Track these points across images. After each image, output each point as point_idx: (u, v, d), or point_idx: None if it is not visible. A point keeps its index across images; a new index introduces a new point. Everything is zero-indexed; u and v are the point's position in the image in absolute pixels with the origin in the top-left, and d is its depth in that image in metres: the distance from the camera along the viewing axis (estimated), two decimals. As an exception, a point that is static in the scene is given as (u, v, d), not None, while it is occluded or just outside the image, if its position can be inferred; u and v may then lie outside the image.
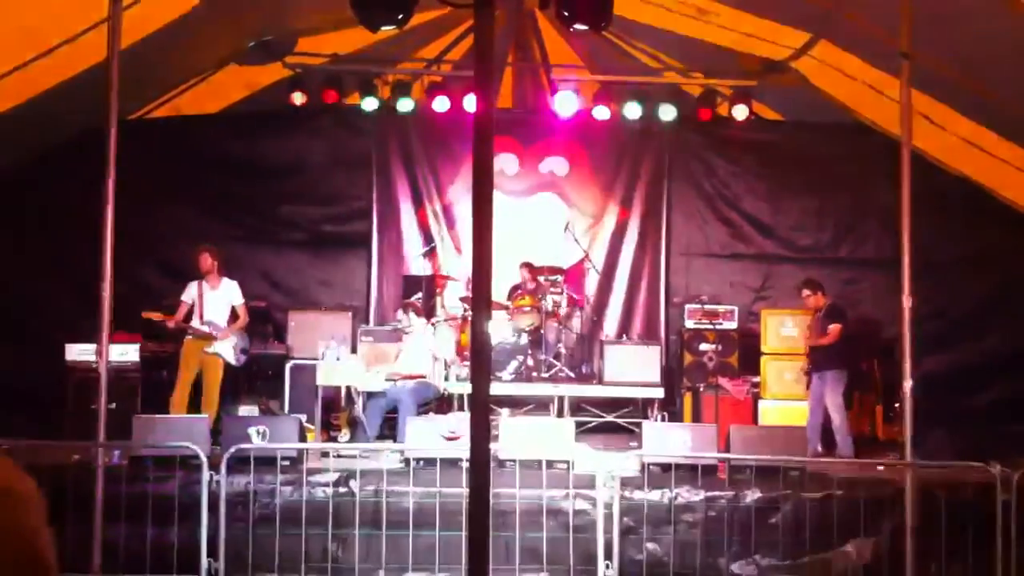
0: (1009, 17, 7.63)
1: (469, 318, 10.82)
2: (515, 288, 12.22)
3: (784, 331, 11.16)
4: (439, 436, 8.49)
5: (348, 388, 10.67)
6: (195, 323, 9.87)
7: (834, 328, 10.12)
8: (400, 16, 5.12)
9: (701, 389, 11.24)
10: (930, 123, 9.86)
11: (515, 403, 11.43)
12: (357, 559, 7.63)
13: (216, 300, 9.94)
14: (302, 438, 8.96)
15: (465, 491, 6.40)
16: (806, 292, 10.50)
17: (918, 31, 7.47)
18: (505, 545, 7.51)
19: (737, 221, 12.79)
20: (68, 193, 11.12)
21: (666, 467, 8.22)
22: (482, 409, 4.21)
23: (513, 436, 8.63)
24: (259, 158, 12.52)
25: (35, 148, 11.36)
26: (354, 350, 10.92)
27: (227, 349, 9.85)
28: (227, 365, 9.97)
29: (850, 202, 12.48)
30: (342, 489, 7.99)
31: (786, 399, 10.99)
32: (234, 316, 10.14)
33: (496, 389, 10.62)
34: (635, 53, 11.98)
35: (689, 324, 11.79)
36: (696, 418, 11.05)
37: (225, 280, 10.06)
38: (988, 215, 11.62)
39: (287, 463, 8.16)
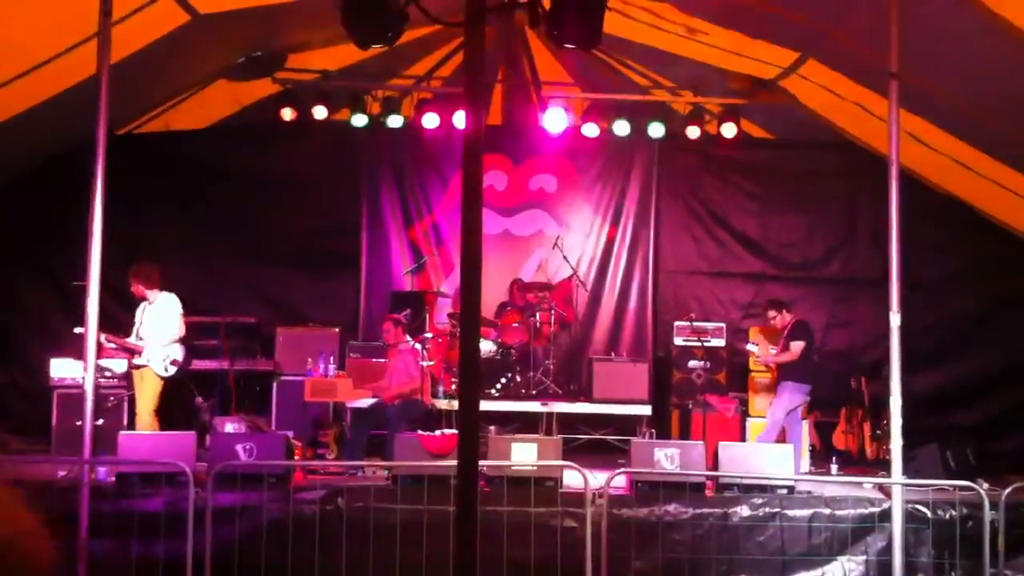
0: (996, 36, 7.67)
1: (457, 335, 10.81)
2: (503, 305, 12.22)
3: (772, 349, 11.15)
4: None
5: (336, 405, 10.64)
6: (132, 339, 9.68)
7: (796, 346, 10.18)
8: (390, 34, 5.12)
9: (689, 406, 11.25)
10: (918, 142, 9.91)
11: (503, 420, 11.41)
12: (344, 576, 7.60)
13: (151, 316, 9.75)
14: (289, 455, 8.92)
15: (452, 508, 6.38)
16: (772, 313, 10.58)
17: (906, 50, 7.51)
18: (492, 562, 7.47)
19: (726, 239, 12.81)
20: (57, 207, 11.10)
21: (654, 484, 8.22)
22: (470, 426, 4.20)
23: (501, 453, 8.62)
24: (248, 173, 12.48)
25: (24, 163, 11.35)
26: (342, 366, 10.89)
27: (154, 360, 9.63)
28: (173, 379, 9.77)
29: (839, 220, 12.52)
30: (329, 506, 7.97)
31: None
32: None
33: (484, 406, 10.59)
34: (624, 71, 12.02)
35: (677, 341, 11.81)
36: (684, 435, 11.04)
37: (162, 295, 9.82)
38: (975, 233, 11.67)
39: (274, 480, 8.13)
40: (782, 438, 10.21)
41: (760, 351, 10.76)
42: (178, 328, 9.70)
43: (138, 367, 9.56)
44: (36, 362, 11.06)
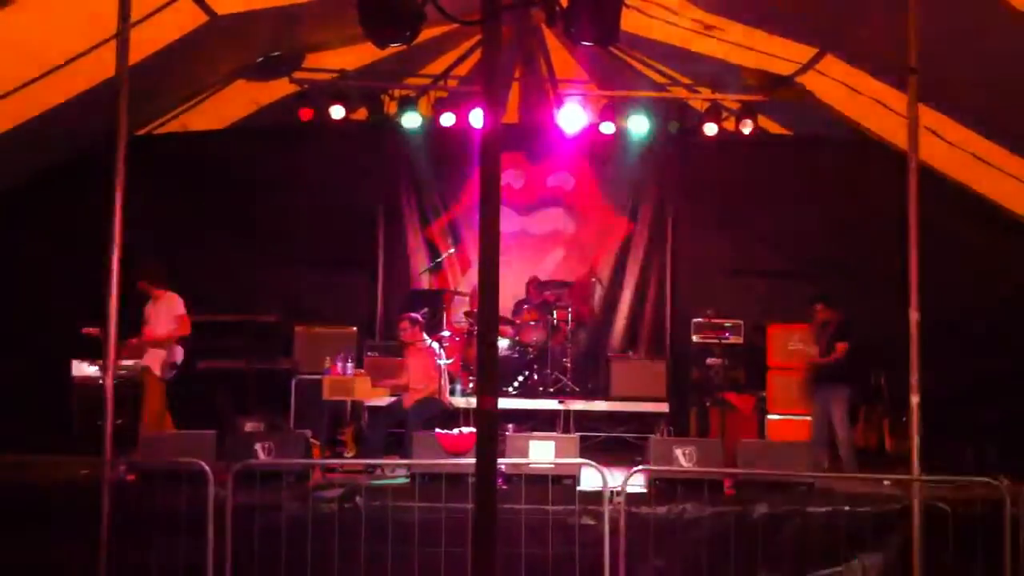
0: (1015, 31, 7.63)
1: (475, 333, 10.82)
2: (521, 303, 12.23)
3: (791, 345, 11.14)
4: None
5: (354, 403, 10.67)
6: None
7: (841, 347, 10.09)
8: (408, 33, 5.12)
9: (707, 404, 11.23)
10: (937, 137, 9.86)
11: (520, 418, 11.41)
12: (363, 575, 7.61)
13: (156, 315, 9.80)
14: (308, 453, 8.95)
15: (471, 506, 6.36)
16: (820, 306, 10.40)
17: (925, 45, 7.47)
18: (511, 561, 7.49)
19: (744, 235, 12.77)
20: (76, 208, 11.13)
21: (672, 482, 8.20)
22: (488, 424, 4.21)
23: (518, 451, 8.62)
24: (266, 173, 12.54)
25: (44, 164, 11.40)
26: (360, 365, 10.92)
27: (153, 362, 9.65)
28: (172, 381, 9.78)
29: (857, 216, 12.45)
30: (348, 505, 7.99)
31: (792, 414, 10.98)
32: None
33: (501, 404, 10.60)
34: (641, 68, 12.01)
35: (695, 338, 11.79)
36: (702, 433, 11.04)
37: (167, 294, 9.88)
38: (996, 228, 11.60)
39: (293, 478, 8.16)
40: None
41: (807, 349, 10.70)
42: (180, 328, 9.71)
43: (143, 368, 9.60)
44: (55, 362, 11.11)
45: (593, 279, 12.65)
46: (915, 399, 7.61)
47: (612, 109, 12.04)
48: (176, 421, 9.69)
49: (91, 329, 9.76)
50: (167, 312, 9.68)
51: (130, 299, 9.98)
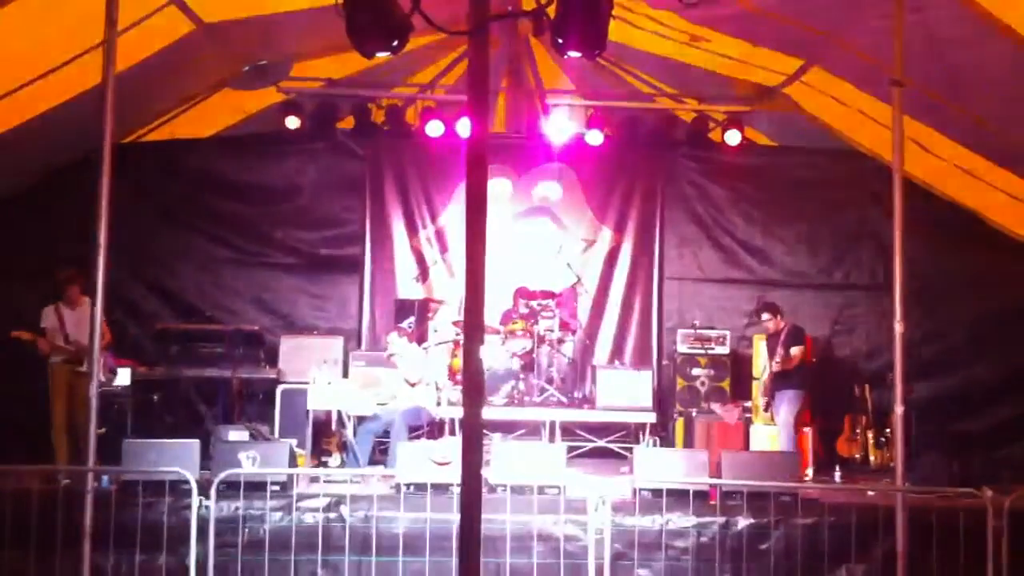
0: (1000, 43, 7.68)
1: (461, 342, 10.80)
2: (508, 312, 12.22)
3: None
4: (429, 461, 8.43)
5: (339, 413, 10.64)
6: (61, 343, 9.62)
7: (797, 351, 10.18)
8: (395, 43, 5.12)
9: (693, 414, 11.23)
10: (921, 149, 9.91)
11: (507, 427, 11.40)
12: (347, 585, 7.59)
13: (78, 321, 9.73)
14: (292, 463, 8.92)
15: (455, 516, 6.34)
16: (767, 316, 10.55)
17: (910, 57, 7.51)
18: (496, 571, 7.48)
19: (730, 246, 12.79)
20: (62, 216, 11.10)
21: (657, 492, 8.21)
22: (474, 434, 4.19)
23: (504, 461, 8.61)
24: (252, 182, 12.52)
25: (29, 172, 11.36)
26: (346, 374, 10.89)
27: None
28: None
29: (843, 227, 12.51)
30: (332, 514, 7.96)
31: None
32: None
33: (488, 414, 10.60)
34: (628, 79, 12.03)
35: (681, 349, 11.81)
36: (688, 443, 11.03)
37: (86, 299, 9.80)
38: (980, 241, 11.66)
39: (277, 488, 8.13)
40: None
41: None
42: (104, 336, 9.68)
43: (81, 373, 9.50)
44: (41, 370, 11.04)
45: (580, 289, 12.65)
46: (899, 410, 7.64)
47: (599, 119, 12.05)
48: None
49: (20, 333, 9.70)
50: (90, 319, 9.58)
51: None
